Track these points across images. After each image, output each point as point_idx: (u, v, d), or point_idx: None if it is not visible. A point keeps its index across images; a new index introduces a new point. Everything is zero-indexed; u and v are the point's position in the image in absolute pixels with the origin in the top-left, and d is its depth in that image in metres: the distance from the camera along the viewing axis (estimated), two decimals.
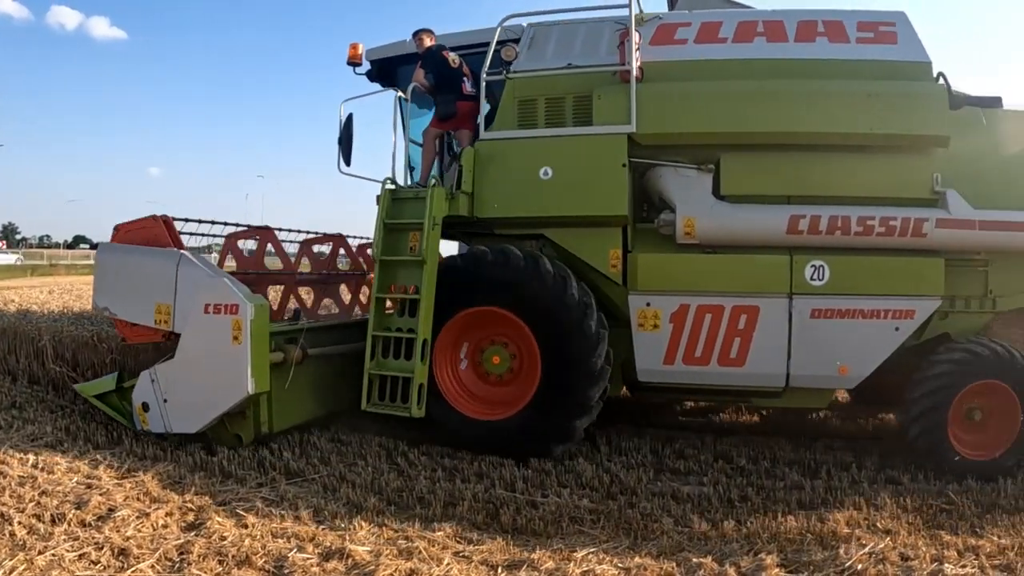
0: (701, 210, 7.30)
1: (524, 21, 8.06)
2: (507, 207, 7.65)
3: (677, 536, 5.39)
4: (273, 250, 9.02)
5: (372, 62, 8.95)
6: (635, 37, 7.34)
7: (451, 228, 7.88)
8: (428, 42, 8.18)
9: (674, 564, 4.87)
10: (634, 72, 7.28)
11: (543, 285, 7.17)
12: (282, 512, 5.55)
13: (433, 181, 7.41)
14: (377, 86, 9.13)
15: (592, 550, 5.05)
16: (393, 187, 7.75)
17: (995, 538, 5.54)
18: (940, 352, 7.13)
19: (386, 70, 9.07)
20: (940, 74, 7.37)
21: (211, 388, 6.80)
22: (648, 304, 7.35)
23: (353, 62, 8.58)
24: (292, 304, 9.25)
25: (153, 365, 7.15)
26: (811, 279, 7.19)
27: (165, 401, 7.01)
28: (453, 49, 8.19)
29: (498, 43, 7.75)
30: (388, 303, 7.63)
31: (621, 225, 7.52)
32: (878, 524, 5.78)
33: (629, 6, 7.33)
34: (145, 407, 7.11)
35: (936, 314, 7.32)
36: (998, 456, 6.95)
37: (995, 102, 7.44)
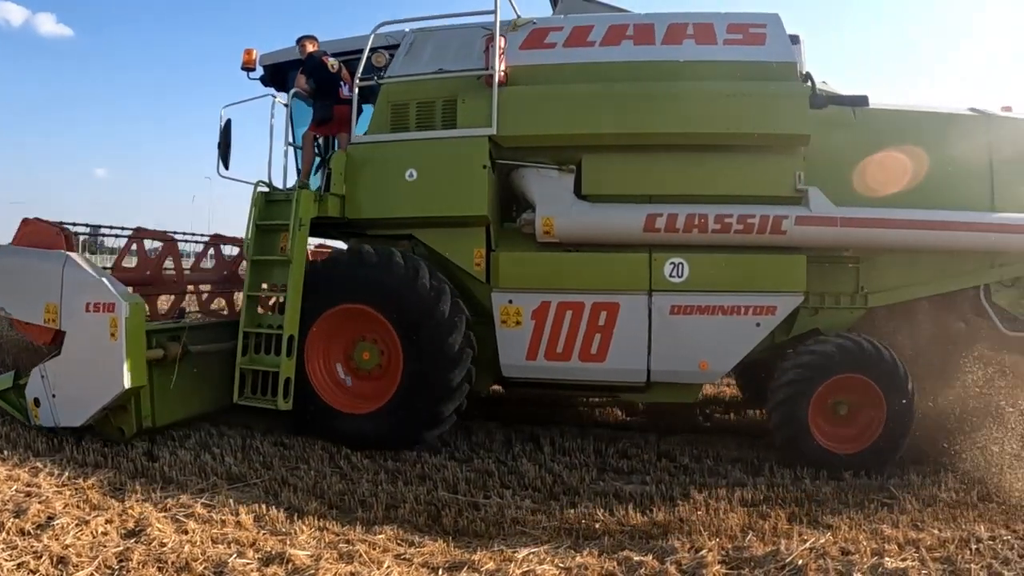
0: (560, 209, 7.48)
1: (407, 27, 8.20)
2: (376, 208, 7.85)
3: (619, 535, 5.44)
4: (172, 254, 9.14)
5: (265, 67, 9.08)
6: (500, 42, 7.51)
7: (334, 229, 8.32)
8: (310, 48, 8.35)
9: (615, 563, 4.91)
10: (496, 76, 7.46)
11: (395, 277, 7.36)
12: (223, 517, 5.50)
13: (303, 184, 7.70)
14: (259, 91, 9.18)
15: (533, 550, 5.08)
16: (266, 190, 7.95)
17: (936, 531, 5.68)
18: (805, 345, 7.31)
19: (278, 75, 9.19)
20: (807, 74, 7.53)
21: (93, 383, 7.00)
22: (510, 301, 7.53)
23: (247, 67, 8.74)
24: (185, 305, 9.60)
25: (43, 362, 7.31)
26: (670, 276, 7.36)
27: (54, 396, 7.20)
28: (335, 55, 8.33)
29: (370, 50, 7.87)
30: (262, 301, 8.00)
31: (484, 225, 7.71)
32: (820, 519, 5.89)
33: (495, 12, 7.49)
34: (36, 402, 7.31)
35: (806, 310, 7.55)
36: (864, 450, 7.15)
37: (861, 100, 7.56)
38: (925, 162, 7.56)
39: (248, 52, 8.65)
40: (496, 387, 8.70)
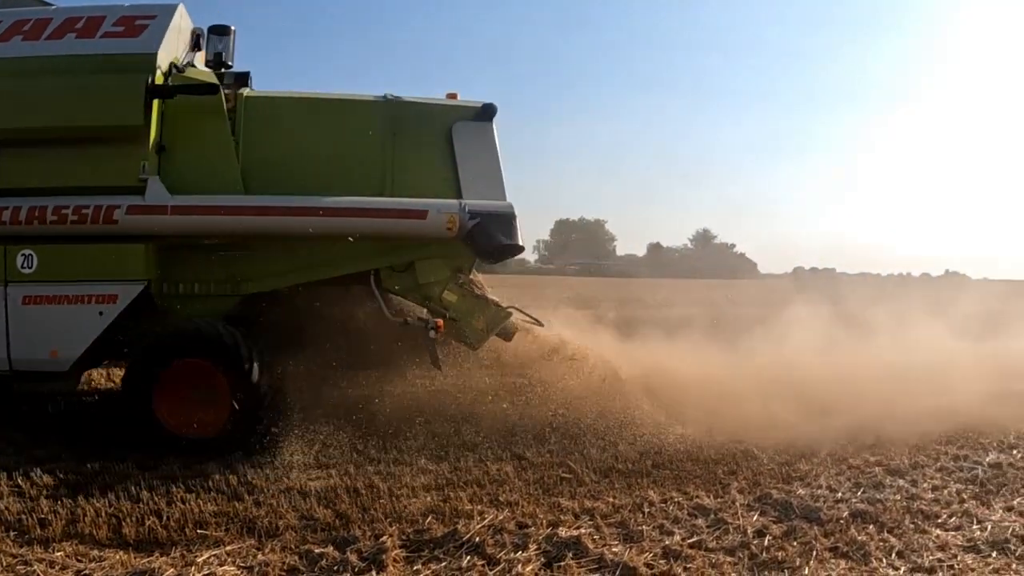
0: None
1: None
2: None
3: (302, 530, 5.63)
4: None
5: None
6: None
7: None
8: None
9: (297, 557, 5.12)
10: None
11: None
12: None
13: None
14: None
15: (215, 552, 5.17)
16: None
17: (611, 499, 6.37)
18: (150, 331, 7.64)
19: None
20: (172, 65, 7.97)
21: None
22: None
23: None
24: None
25: None
26: (22, 268, 7.53)
27: None
28: None
29: None
30: None
31: None
32: (500, 498, 6.37)
33: None
34: None
35: (175, 297, 7.91)
36: (222, 433, 7.38)
37: (211, 90, 7.84)
38: (313, 148, 8.15)
39: None
40: None
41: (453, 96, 8.68)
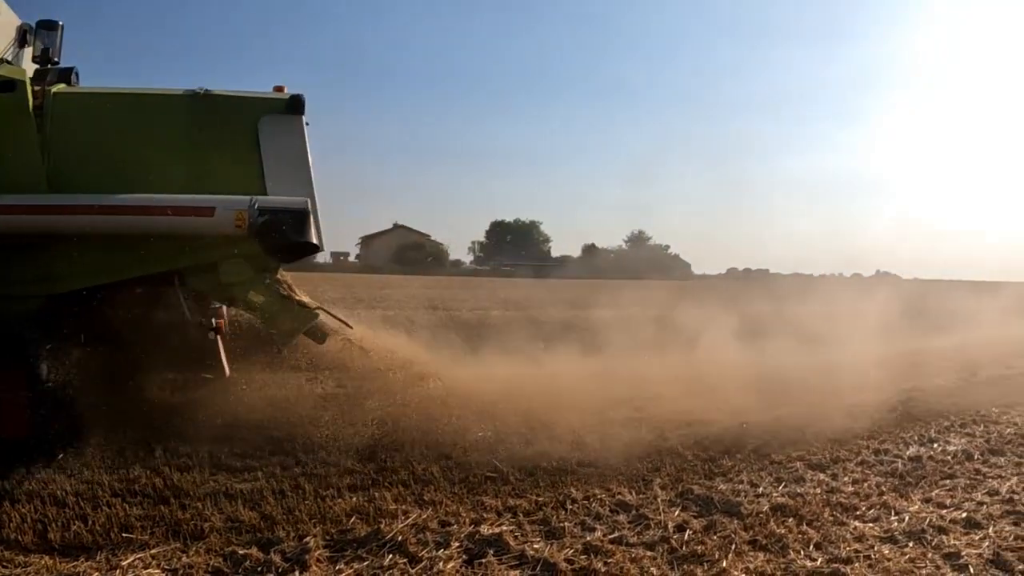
0: None
1: None
2: None
3: (227, 532, 5.70)
4: None
5: None
6: None
7: None
8: None
9: (222, 559, 5.21)
10: None
11: None
12: None
13: None
14: None
15: (140, 556, 5.24)
16: None
17: (534, 496, 6.57)
18: None
19: None
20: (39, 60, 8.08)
21: None
22: None
23: None
24: None
25: None
26: None
27: None
28: None
29: None
30: None
31: None
32: (425, 497, 6.52)
33: None
34: None
35: None
36: (27, 435, 7.17)
37: (8, 86, 7.61)
38: (121, 144, 7.92)
39: None
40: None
41: (280, 89, 8.45)
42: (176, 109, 8.08)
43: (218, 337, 7.91)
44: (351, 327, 9.37)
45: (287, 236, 7.60)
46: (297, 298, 8.53)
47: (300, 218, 7.69)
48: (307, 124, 8.28)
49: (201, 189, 7.68)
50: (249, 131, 8.03)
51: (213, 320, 8.01)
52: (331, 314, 9.11)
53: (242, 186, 7.78)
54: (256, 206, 7.51)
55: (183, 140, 7.97)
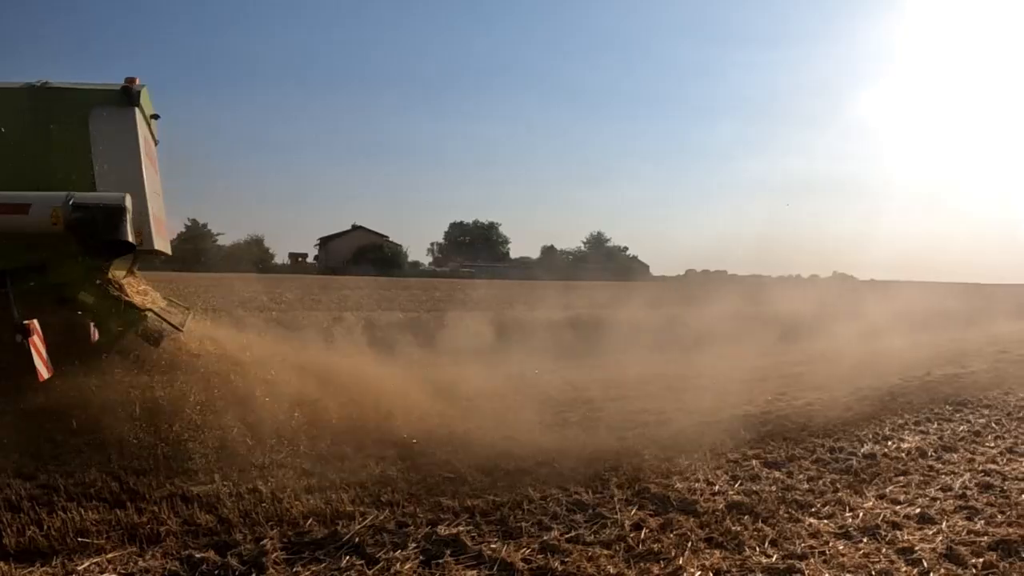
0: None
1: None
2: None
3: (183, 536, 5.67)
4: None
5: None
6: None
7: None
8: None
9: (178, 563, 5.19)
10: None
11: None
12: None
13: None
14: None
15: (96, 560, 5.20)
16: None
17: (492, 497, 6.58)
18: None
19: None
20: None
21: None
22: None
23: None
24: None
25: None
26: None
27: None
28: None
29: None
30: None
31: None
32: (383, 498, 6.53)
33: None
34: None
35: None
36: None
37: None
38: None
39: None
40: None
41: (132, 81, 8.23)
42: (13, 102, 7.88)
43: (28, 340, 7.50)
44: (181, 330, 9.15)
45: (99, 234, 7.44)
46: (126, 299, 8.38)
47: (116, 215, 7.49)
48: (156, 117, 8.08)
49: (43, 186, 7.49)
50: (83, 124, 7.89)
51: (23, 322, 7.54)
52: (162, 317, 8.94)
53: (76, 182, 7.64)
54: (72, 203, 7.33)
55: (23, 135, 7.80)
